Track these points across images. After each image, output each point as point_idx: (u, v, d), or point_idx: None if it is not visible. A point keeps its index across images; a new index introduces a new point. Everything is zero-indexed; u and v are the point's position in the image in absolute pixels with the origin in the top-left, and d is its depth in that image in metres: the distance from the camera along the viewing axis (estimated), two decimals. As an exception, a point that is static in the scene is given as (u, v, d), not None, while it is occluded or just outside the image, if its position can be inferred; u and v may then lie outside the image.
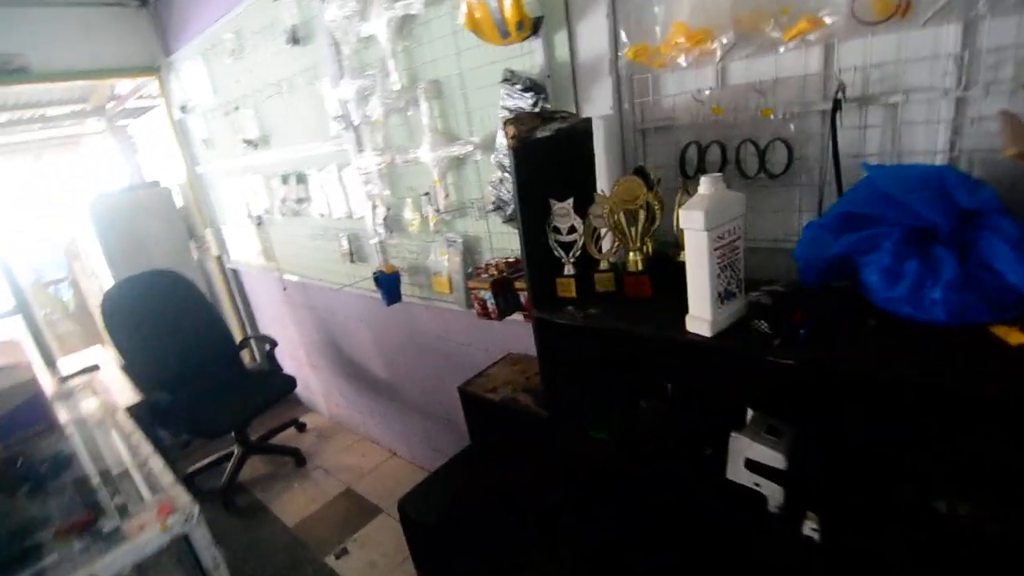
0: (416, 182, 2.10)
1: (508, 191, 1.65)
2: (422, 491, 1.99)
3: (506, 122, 1.21)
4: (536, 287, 1.32)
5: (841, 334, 0.95)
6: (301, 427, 3.88)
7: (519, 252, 1.31)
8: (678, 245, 1.25)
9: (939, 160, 1.05)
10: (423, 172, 2.01)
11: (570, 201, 1.27)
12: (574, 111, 1.49)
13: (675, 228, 1.23)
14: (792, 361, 0.93)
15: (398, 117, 2.04)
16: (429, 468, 3.10)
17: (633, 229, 1.22)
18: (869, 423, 0.99)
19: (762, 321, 1.03)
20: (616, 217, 1.23)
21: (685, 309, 1.07)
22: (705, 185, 0.98)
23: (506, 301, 1.69)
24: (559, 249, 1.32)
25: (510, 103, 1.52)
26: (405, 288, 2.39)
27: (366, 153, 2.18)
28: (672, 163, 1.39)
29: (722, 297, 1.02)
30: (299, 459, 3.42)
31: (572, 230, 1.29)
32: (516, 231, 1.79)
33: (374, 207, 2.26)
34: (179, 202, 4.18)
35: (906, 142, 1.08)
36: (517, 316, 1.77)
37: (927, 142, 1.06)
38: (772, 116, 1.18)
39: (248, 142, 3.02)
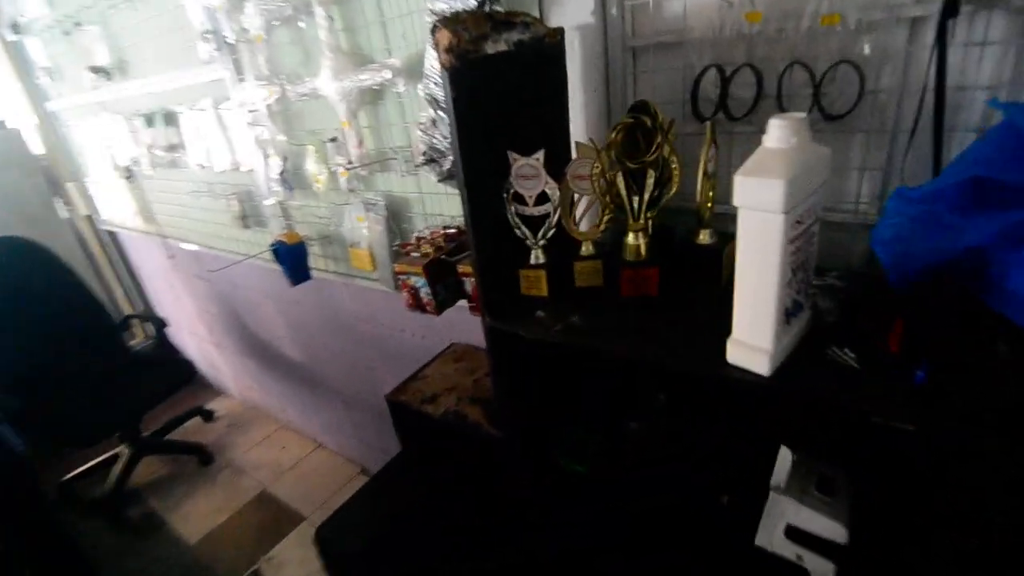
0: (318, 123, 1.57)
1: (444, 137, 1.18)
2: (344, 515, 1.59)
3: (436, 26, 0.74)
4: (489, 285, 0.90)
5: (973, 372, 0.61)
6: (208, 416, 3.33)
7: (463, 219, 0.89)
8: (699, 221, 0.86)
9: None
10: (326, 110, 1.49)
11: (540, 155, 0.83)
12: (537, 16, 1.03)
13: (699, 197, 0.84)
14: (913, 427, 0.58)
15: (286, 31, 1.48)
16: (360, 462, 2.71)
17: (636, 199, 0.81)
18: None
19: (844, 349, 0.67)
20: (611, 180, 0.82)
21: (712, 319, 0.70)
22: (782, 132, 0.59)
23: (446, 289, 1.26)
24: (523, 228, 0.90)
25: (441, 3, 1.03)
26: (316, 261, 1.89)
27: (247, 84, 1.60)
28: (678, 98, 0.97)
29: (788, 313, 0.65)
30: (204, 457, 2.91)
31: (542, 199, 0.87)
32: (452, 189, 1.34)
33: (266, 157, 1.71)
34: (37, 148, 3.30)
35: (1039, 68, 0.72)
36: (463, 303, 1.34)
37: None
38: (839, 26, 0.79)
39: (97, 70, 2.30)
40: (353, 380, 2.31)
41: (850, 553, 0.77)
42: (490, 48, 0.77)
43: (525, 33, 0.85)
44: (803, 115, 0.59)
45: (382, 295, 1.74)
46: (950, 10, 0.69)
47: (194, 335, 3.42)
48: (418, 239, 1.32)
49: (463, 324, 1.59)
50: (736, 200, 0.61)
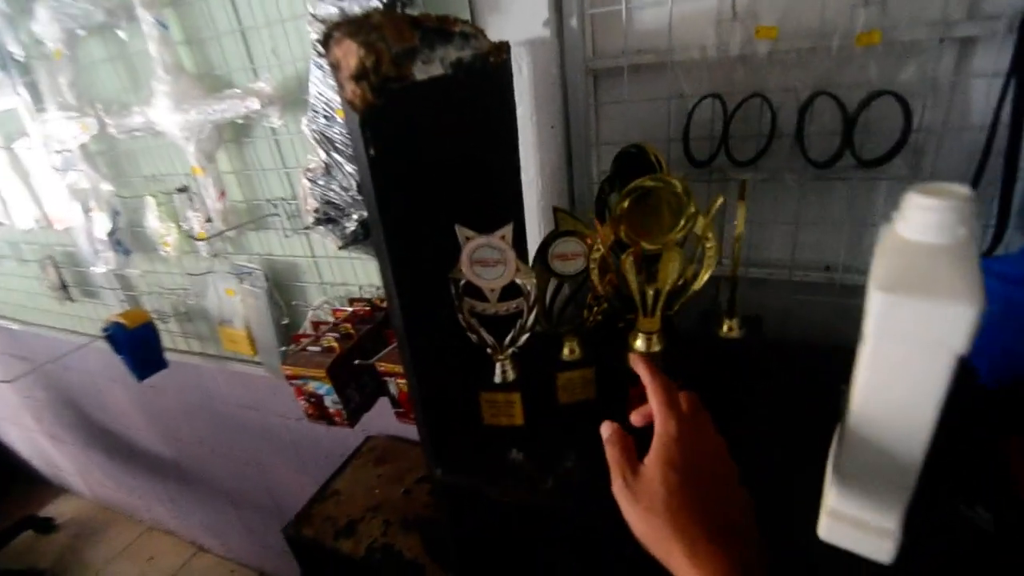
0: (159, 168, 1.16)
1: (344, 190, 0.86)
2: None
3: (331, 36, 0.43)
4: (434, 421, 0.60)
5: None
6: (45, 525, 2.59)
7: (375, 284, 0.60)
8: (722, 305, 0.63)
9: None
10: (170, 151, 1.09)
11: (507, 231, 0.55)
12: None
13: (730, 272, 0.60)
14: None
15: (99, 44, 1.07)
16: (257, 567, 2.21)
17: (651, 288, 0.56)
18: None
19: (976, 507, 0.47)
20: (614, 266, 0.56)
21: (763, 461, 0.46)
22: (945, 217, 0.36)
23: (360, 391, 0.93)
24: (482, 333, 0.61)
25: (328, 4, 0.72)
26: (176, 341, 1.44)
27: (50, 114, 1.14)
28: (661, 136, 0.75)
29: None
30: (39, 591, 2.22)
31: (510, 291, 0.59)
32: (361, 255, 1.02)
33: (87, 211, 1.25)
34: None
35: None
36: (385, 400, 1.01)
37: None
38: (879, 45, 0.60)
39: None
40: (240, 476, 1.84)
41: None
42: (419, 72, 0.48)
43: (465, 49, 0.57)
44: (965, 188, 0.37)
45: (265, 381, 1.34)
46: (1036, 27, 0.53)
47: (18, 424, 2.66)
48: (315, 324, 0.97)
49: (382, 411, 1.25)
50: (873, 326, 0.37)
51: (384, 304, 1.01)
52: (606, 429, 0.44)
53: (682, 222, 0.52)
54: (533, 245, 0.63)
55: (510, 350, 0.62)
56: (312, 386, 0.89)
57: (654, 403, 0.41)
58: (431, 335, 0.57)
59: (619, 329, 0.65)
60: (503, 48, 0.67)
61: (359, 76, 0.40)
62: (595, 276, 0.59)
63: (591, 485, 0.56)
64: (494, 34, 0.65)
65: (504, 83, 0.69)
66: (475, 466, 0.61)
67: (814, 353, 0.71)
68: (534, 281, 0.58)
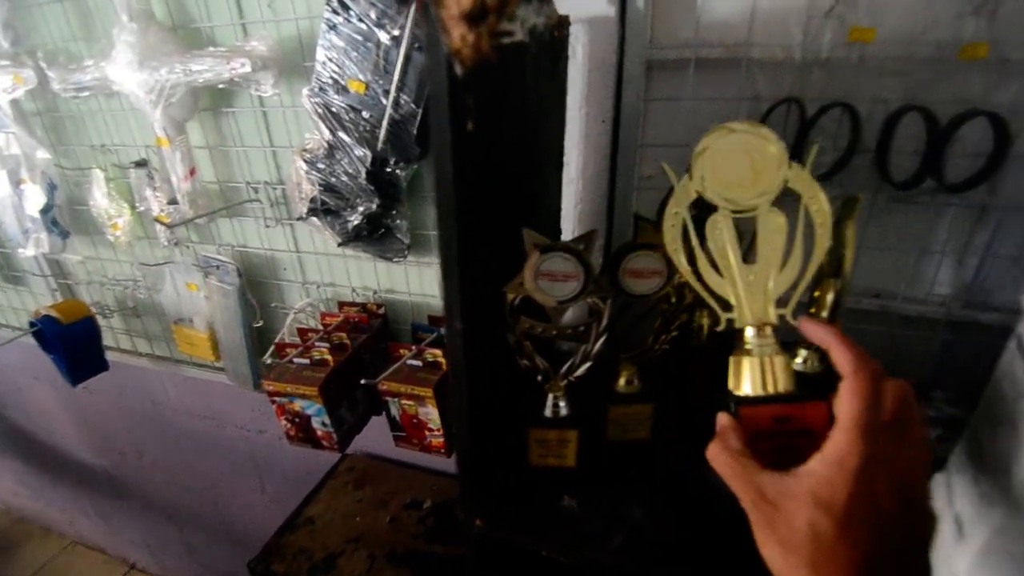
0: (114, 136, 0.98)
1: (352, 176, 0.73)
2: None
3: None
4: (477, 458, 0.49)
5: None
6: (-59, 543, 2.26)
7: (371, 288, 0.56)
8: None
9: None
10: (129, 117, 0.93)
11: (591, 238, 0.46)
12: None
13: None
14: None
15: (46, -21, 0.89)
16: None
17: (751, 273, 0.47)
18: None
19: None
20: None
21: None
22: None
23: (352, 410, 0.80)
24: (537, 359, 0.51)
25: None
26: (119, 339, 1.26)
27: (-27, 60, 0.95)
28: (720, 142, 0.67)
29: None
30: (-71, 621, 1.93)
31: (584, 313, 0.49)
32: (359, 253, 0.89)
33: (16, 183, 1.05)
34: None
35: None
36: (377, 419, 0.89)
37: None
38: (987, 57, 0.55)
39: None
40: (183, 491, 1.64)
41: None
42: (518, 31, 0.37)
43: (540, 15, 0.47)
44: None
45: (227, 389, 1.18)
46: None
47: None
48: (303, 331, 0.84)
49: (367, 428, 1.12)
50: None
51: (381, 310, 0.88)
52: (720, 421, 0.35)
53: (775, 174, 0.40)
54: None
55: (565, 381, 0.52)
56: (299, 405, 0.76)
57: (845, 395, 0.30)
58: (486, 364, 0.46)
59: (684, 362, 0.56)
60: (564, 22, 0.57)
61: (475, 16, 0.29)
62: (672, 296, 0.51)
63: (667, 544, 0.47)
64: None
65: (562, 64, 0.59)
66: (522, 516, 0.51)
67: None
68: (609, 300, 0.48)
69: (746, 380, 0.38)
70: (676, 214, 0.41)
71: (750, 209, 0.40)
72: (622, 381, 0.56)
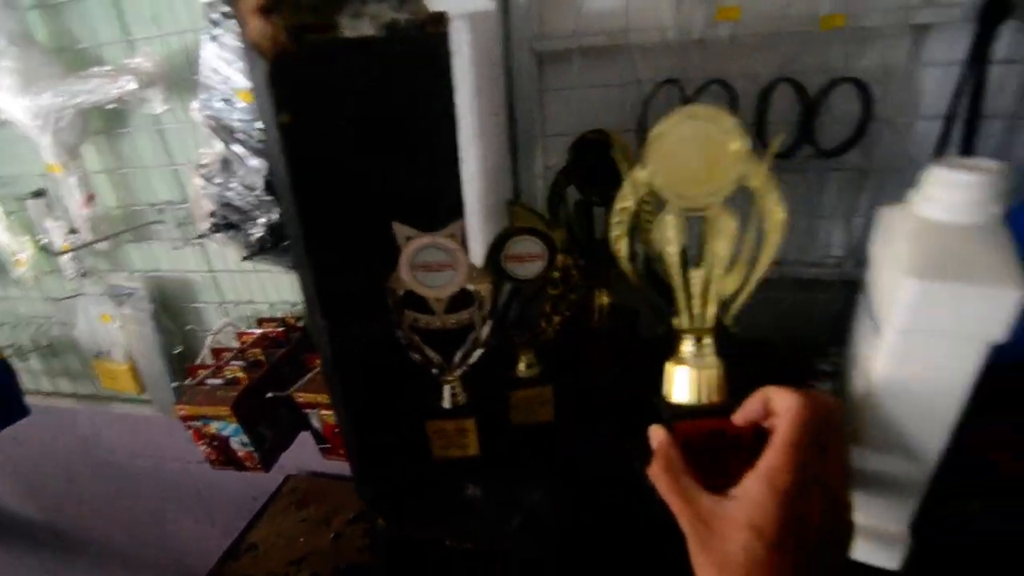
0: (6, 166, 0.94)
1: (249, 189, 0.72)
2: None
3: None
4: (368, 463, 0.48)
5: None
6: None
7: (289, 301, 0.53)
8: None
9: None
10: (18, 145, 0.89)
11: (456, 228, 0.46)
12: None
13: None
14: None
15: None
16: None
17: (696, 275, 0.47)
18: None
19: (972, 500, 0.43)
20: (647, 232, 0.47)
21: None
22: (977, 195, 0.32)
23: (274, 428, 0.78)
24: (427, 352, 0.50)
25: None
26: (39, 380, 1.19)
27: None
28: (613, 126, 0.68)
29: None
30: None
31: (457, 302, 0.49)
32: (270, 267, 0.87)
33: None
34: None
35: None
36: (306, 436, 0.87)
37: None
38: (843, 27, 0.58)
39: None
40: (132, 536, 1.57)
41: None
42: (348, 27, 0.37)
43: (401, 10, 0.47)
44: (996, 163, 0.33)
45: (161, 420, 1.13)
46: (999, 12, 0.51)
47: None
48: (216, 351, 0.81)
49: (301, 445, 1.09)
50: (903, 316, 0.32)
51: (300, 323, 0.86)
52: (658, 435, 0.33)
53: (731, 171, 0.37)
54: (476, 248, 0.53)
55: (459, 370, 0.52)
56: (214, 427, 0.73)
57: (783, 415, 0.29)
58: (364, 358, 0.46)
59: (580, 343, 0.57)
60: (441, 19, 0.57)
61: (268, 7, 0.29)
62: (556, 277, 0.51)
63: (562, 526, 0.46)
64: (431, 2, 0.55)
65: (442, 61, 0.59)
66: (426, 510, 0.50)
67: (769, 349, 0.67)
68: (490, 287, 0.48)
69: (681, 388, 0.37)
70: (623, 210, 0.39)
71: (702, 208, 0.38)
72: (521, 366, 0.56)
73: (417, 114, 0.56)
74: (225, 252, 0.77)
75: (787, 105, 0.62)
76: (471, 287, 0.48)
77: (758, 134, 0.63)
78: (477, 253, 0.52)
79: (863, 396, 0.38)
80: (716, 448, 0.33)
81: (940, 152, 0.60)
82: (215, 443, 0.75)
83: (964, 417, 0.34)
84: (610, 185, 0.46)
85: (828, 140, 0.63)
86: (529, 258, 0.51)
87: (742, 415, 0.32)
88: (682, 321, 0.38)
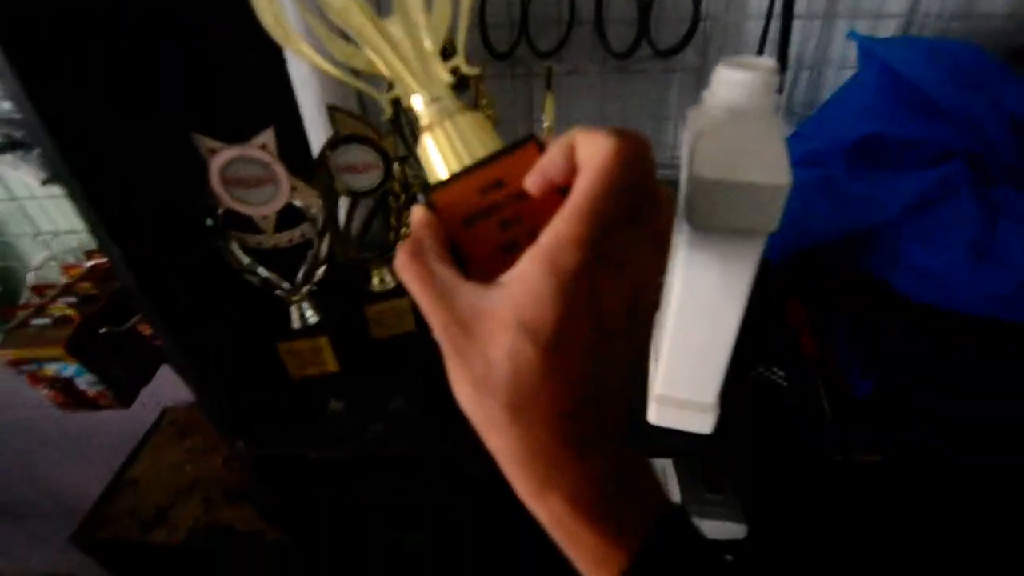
0: None
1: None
2: None
3: None
4: (220, 391, 0.48)
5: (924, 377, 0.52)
6: None
7: None
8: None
9: (893, 27, 0.66)
10: None
11: (267, 137, 0.43)
12: None
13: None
14: (878, 457, 0.47)
15: None
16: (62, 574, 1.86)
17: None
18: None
19: (772, 368, 0.53)
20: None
21: None
22: (755, 88, 0.35)
23: (127, 366, 0.74)
24: (263, 272, 0.49)
25: None
26: None
27: None
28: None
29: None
30: None
31: (293, 218, 0.47)
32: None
33: None
34: None
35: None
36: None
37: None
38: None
39: None
40: (8, 489, 1.46)
41: (750, 548, 0.70)
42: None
43: None
44: (769, 60, 0.36)
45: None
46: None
47: None
48: (39, 288, 0.73)
49: (172, 377, 1.05)
50: (688, 211, 0.36)
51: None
52: (416, 216, 0.22)
53: None
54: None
55: (305, 288, 0.51)
56: (51, 369, 0.68)
57: (584, 166, 0.20)
58: (190, 288, 0.44)
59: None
60: None
61: None
62: (397, 188, 0.50)
63: (426, 424, 0.51)
64: None
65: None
66: (289, 428, 0.51)
67: None
68: (319, 201, 0.47)
69: (437, 163, 0.26)
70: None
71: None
72: (375, 280, 0.57)
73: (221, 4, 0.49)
74: (22, 176, 0.66)
75: (625, 4, 0.63)
76: (298, 203, 0.46)
77: (599, 33, 0.64)
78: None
79: (670, 284, 0.43)
80: (506, 213, 0.24)
81: (761, 51, 0.65)
82: (57, 385, 0.70)
83: (764, 295, 0.40)
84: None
85: (664, 41, 0.65)
86: (364, 168, 0.49)
87: (539, 173, 0.22)
88: (407, 86, 0.27)
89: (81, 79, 0.34)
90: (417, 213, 0.23)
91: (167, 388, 0.95)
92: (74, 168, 0.32)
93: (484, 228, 0.24)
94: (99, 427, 1.21)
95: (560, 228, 0.19)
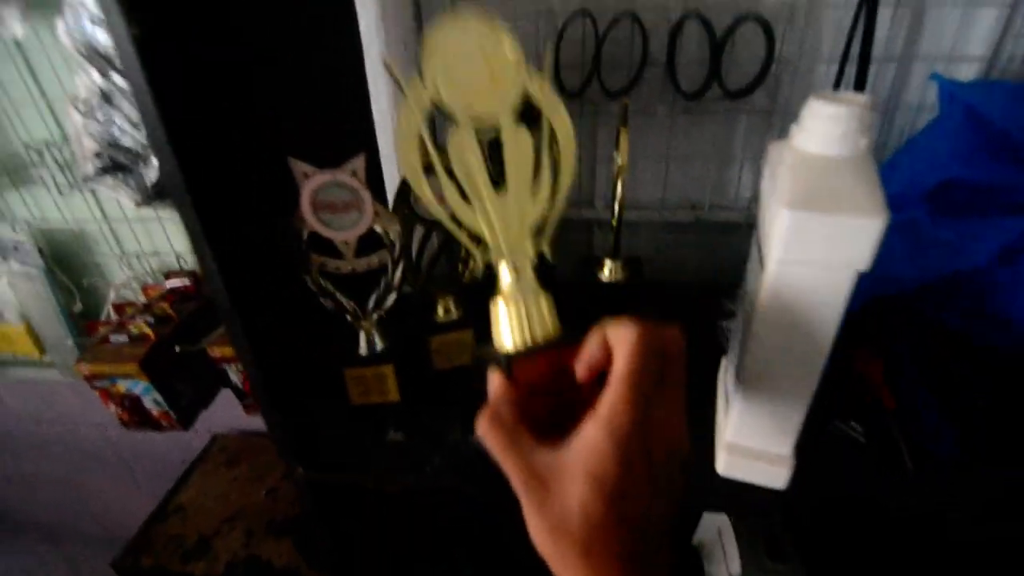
0: None
1: (133, 125, 0.65)
2: None
3: None
4: (284, 414, 0.48)
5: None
6: None
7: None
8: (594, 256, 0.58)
9: (973, 71, 0.64)
10: None
11: (358, 164, 0.44)
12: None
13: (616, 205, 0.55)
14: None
15: None
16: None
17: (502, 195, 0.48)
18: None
19: (850, 422, 0.49)
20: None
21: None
22: (849, 127, 0.34)
23: (193, 383, 0.75)
24: (339, 297, 0.49)
25: None
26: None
27: None
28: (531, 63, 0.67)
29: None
30: None
31: (369, 244, 0.48)
32: (172, 213, 0.81)
33: None
34: None
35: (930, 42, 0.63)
36: (228, 393, 0.84)
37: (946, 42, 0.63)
38: (747, -34, 0.58)
39: None
40: (54, 507, 1.50)
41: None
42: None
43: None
44: (865, 96, 0.35)
45: (70, 384, 1.06)
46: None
47: None
48: (119, 306, 0.76)
49: (227, 404, 1.06)
50: (780, 247, 0.34)
51: (215, 275, 0.82)
52: (493, 383, 0.29)
53: (513, 81, 0.35)
54: (392, 189, 0.52)
55: (375, 315, 0.52)
56: (123, 386, 0.70)
57: (619, 348, 0.26)
58: (272, 307, 0.44)
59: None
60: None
61: None
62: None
63: (484, 458, 0.49)
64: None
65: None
66: (347, 456, 0.50)
67: (687, 292, 0.71)
68: (398, 228, 0.47)
69: (504, 329, 0.33)
70: (410, 125, 0.35)
71: (492, 122, 0.35)
72: (440, 311, 0.57)
73: (315, 35, 0.52)
74: (118, 197, 0.71)
75: (696, 45, 0.63)
76: (379, 229, 0.47)
77: (670, 73, 0.64)
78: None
79: (747, 327, 0.40)
80: (562, 393, 0.29)
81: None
82: (126, 403, 0.72)
83: (840, 344, 0.37)
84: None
85: (735, 82, 0.65)
86: (441, 199, 0.50)
87: (583, 363, 0.28)
88: (499, 251, 0.34)
89: (201, 106, 0.36)
90: (495, 381, 0.29)
91: (218, 414, 0.97)
92: (189, 183, 0.33)
93: (544, 397, 0.29)
94: (150, 450, 1.24)
95: (612, 398, 0.25)
